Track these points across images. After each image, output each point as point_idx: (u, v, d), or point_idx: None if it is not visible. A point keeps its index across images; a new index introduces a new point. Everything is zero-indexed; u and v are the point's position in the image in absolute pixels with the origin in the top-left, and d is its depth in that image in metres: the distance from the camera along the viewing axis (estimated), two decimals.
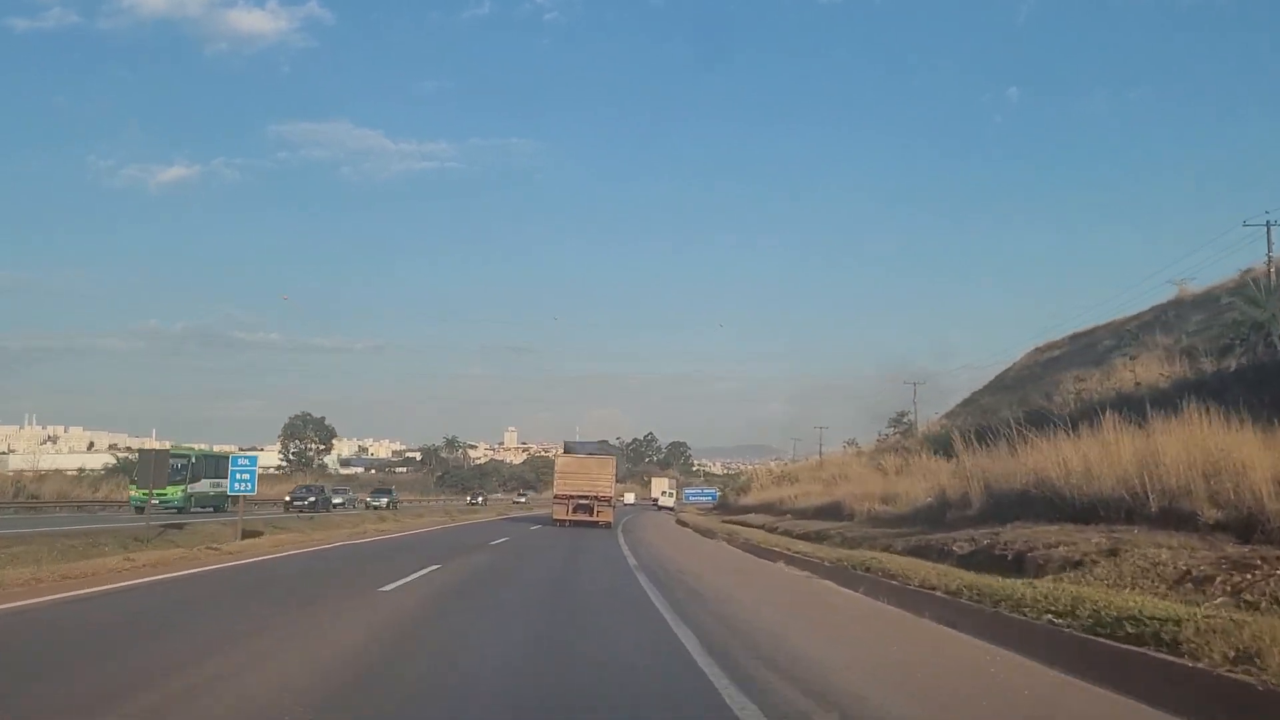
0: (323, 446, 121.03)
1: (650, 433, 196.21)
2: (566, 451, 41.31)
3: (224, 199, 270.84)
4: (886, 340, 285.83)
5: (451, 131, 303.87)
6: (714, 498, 64.05)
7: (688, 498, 65.94)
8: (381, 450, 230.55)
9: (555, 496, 37.84)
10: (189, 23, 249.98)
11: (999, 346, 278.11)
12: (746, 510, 46.27)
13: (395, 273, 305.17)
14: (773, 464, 64.77)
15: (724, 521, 39.54)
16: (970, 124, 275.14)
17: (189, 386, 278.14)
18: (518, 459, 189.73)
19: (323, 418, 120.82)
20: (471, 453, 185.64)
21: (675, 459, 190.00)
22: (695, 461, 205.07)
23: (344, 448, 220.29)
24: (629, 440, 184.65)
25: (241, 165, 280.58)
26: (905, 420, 63.04)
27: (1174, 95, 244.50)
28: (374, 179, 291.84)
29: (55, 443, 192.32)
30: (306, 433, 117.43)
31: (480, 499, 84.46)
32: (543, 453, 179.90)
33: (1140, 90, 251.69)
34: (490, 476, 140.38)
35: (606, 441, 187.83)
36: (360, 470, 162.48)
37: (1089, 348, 61.04)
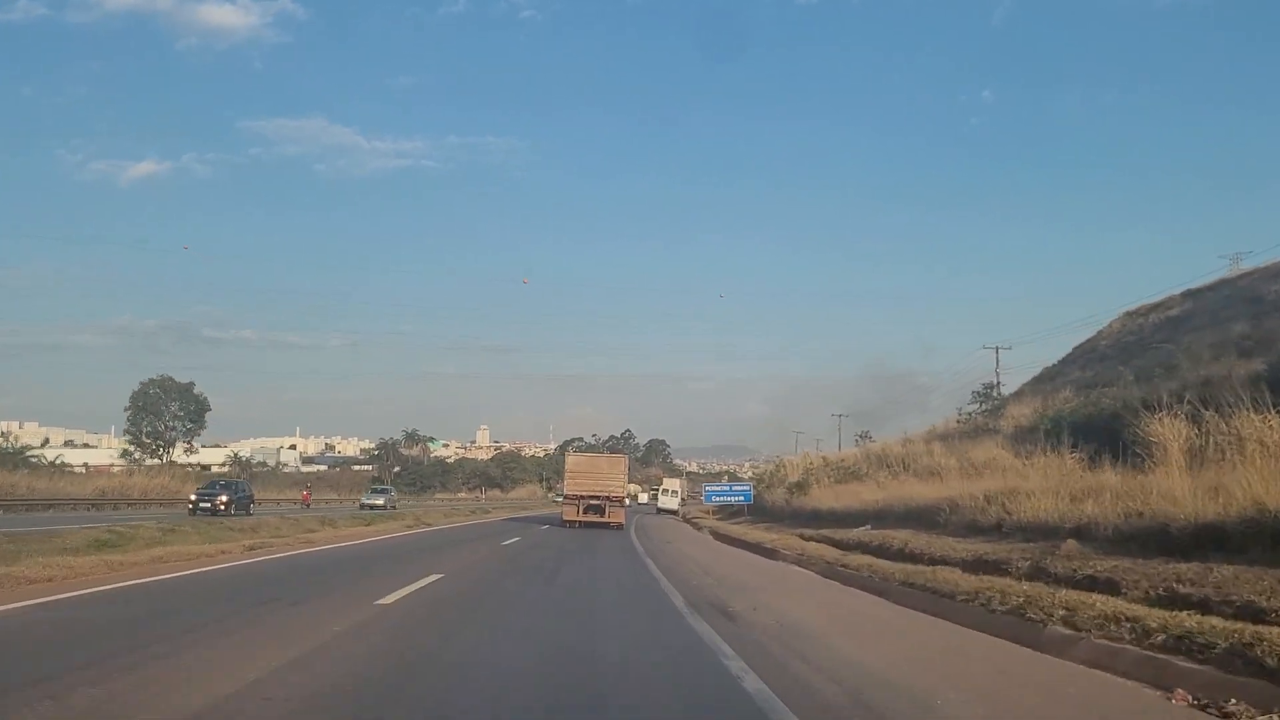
0: (191, 425, 79.57)
1: (628, 429, 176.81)
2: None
3: (196, 194, 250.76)
4: (865, 341, 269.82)
5: (428, 128, 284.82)
6: (748, 498, 44.12)
7: (709, 497, 45.67)
8: (349, 448, 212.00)
9: (565, 496, 36.27)
10: (159, 16, 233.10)
11: (975, 345, 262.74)
12: (829, 521, 27.15)
13: (371, 270, 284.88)
14: (820, 455, 45.76)
15: (833, 546, 19.69)
16: (949, 123, 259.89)
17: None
18: (488, 456, 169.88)
19: (190, 384, 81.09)
20: (444, 450, 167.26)
21: (654, 456, 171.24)
22: (673, 460, 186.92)
23: (310, 445, 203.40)
24: (605, 438, 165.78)
25: (214, 161, 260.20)
26: (994, 395, 44.59)
27: (1151, 92, 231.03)
28: (349, 175, 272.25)
29: (7, 438, 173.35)
30: (166, 406, 77.45)
31: (220, 499, 35.74)
32: (514, 449, 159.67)
33: (1118, 88, 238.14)
34: (453, 473, 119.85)
35: (582, 439, 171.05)
36: (324, 468, 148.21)
37: (1233, 300, 44.28)
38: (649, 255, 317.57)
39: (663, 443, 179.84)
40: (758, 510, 43.54)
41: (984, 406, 42.07)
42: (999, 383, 46.02)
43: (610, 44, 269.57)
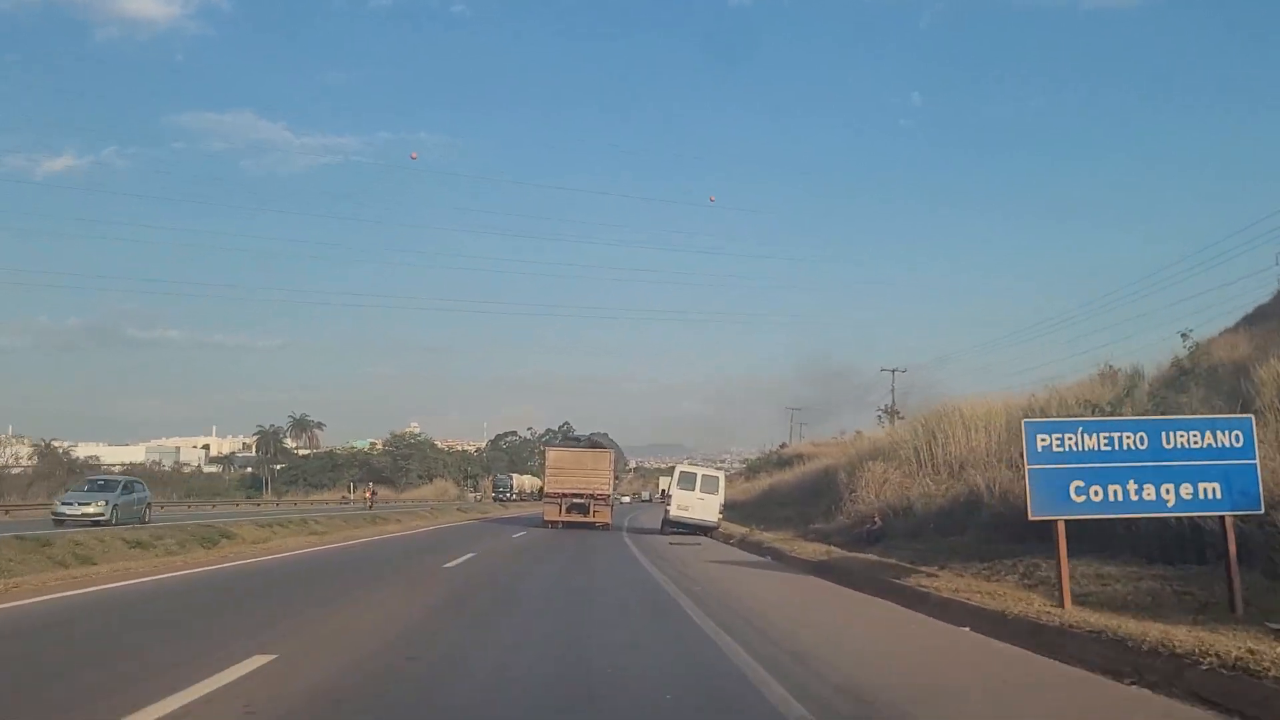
0: None
1: (566, 422, 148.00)
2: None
3: (117, 190, 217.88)
4: (806, 338, 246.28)
5: (359, 124, 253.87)
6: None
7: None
8: None
9: (546, 495, 33.21)
10: (76, 6, 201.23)
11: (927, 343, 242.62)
12: None
13: (301, 268, 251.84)
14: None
15: None
16: (882, 125, 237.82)
17: (79, 385, 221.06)
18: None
19: None
20: (370, 449, 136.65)
21: None
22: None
23: (225, 445, 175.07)
24: (542, 431, 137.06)
25: (136, 155, 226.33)
26: None
27: (1079, 92, 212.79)
28: (277, 172, 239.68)
29: None
30: None
31: None
32: (418, 438, 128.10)
33: (1040, 94, 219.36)
34: (346, 469, 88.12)
35: (516, 434, 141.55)
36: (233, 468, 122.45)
37: None
38: (581, 254, 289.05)
39: (605, 436, 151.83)
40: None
41: None
42: None
43: (547, 39, 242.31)
